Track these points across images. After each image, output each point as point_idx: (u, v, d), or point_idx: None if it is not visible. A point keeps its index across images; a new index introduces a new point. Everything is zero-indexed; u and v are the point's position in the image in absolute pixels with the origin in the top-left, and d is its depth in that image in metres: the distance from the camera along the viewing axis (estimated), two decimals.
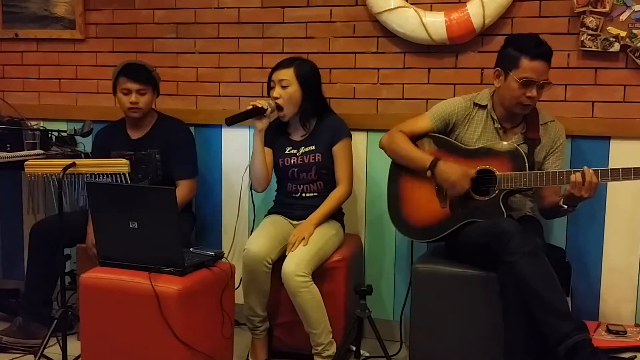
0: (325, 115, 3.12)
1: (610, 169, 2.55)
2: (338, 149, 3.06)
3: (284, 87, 3.01)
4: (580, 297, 3.03)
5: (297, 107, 3.05)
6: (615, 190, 3.02)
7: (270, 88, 3.07)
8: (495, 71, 2.77)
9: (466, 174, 2.72)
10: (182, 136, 3.34)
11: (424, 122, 2.90)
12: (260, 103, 2.98)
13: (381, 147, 2.98)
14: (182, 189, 3.21)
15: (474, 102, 2.86)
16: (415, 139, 2.89)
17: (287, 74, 3.01)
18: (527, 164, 2.67)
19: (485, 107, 2.84)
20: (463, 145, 2.83)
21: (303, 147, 3.09)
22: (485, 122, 2.83)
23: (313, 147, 3.08)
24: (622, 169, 2.52)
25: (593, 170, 2.53)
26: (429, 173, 2.77)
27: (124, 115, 3.31)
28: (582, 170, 2.53)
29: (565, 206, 2.63)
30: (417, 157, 2.84)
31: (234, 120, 2.97)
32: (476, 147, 2.79)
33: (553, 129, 2.83)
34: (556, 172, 2.62)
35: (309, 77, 3.05)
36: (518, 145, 2.75)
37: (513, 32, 3.05)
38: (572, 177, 2.53)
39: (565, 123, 2.89)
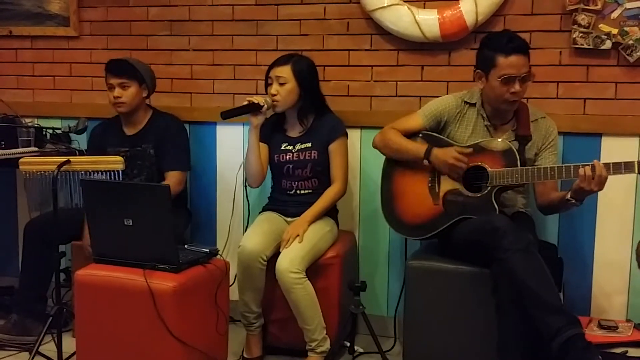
0: (323, 112, 3.13)
1: (624, 163, 2.51)
2: (334, 148, 3.07)
3: (281, 84, 3.02)
4: (573, 292, 3.04)
5: (295, 104, 3.06)
6: (607, 186, 2.98)
7: (267, 85, 3.08)
8: (476, 73, 2.79)
9: (461, 152, 2.74)
10: (174, 130, 3.34)
11: (416, 120, 2.91)
12: (257, 99, 2.99)
13: (374, 146, 2.99)
14: (169, 181, 3.19)
15: (464, 101, 2.88)
16: (408, 137, 2.91)
17: (285, 71, 3.02)
18: (519, 160, 2.69)
19: (475, 105, 2.86)
20: (455, 143, 2.84)
21: (299, 144, 3.10)
22: (475, 120, 2.85)
23: (309, 144, 3.09)
24: (639, 161, 2.49)
25: (604, 163, 2.52)
26: (425, 162, 2.79)
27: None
28: (592, 164, 2.52)
29: (573, 200, 2.62)
30: (411, 148, 2.86)
31: (229, 115, 2.97)
32: (468, 144, 2.81)
33: (544, 125, 2.84)
34: (547, 167, 2.63)
35: (307, 74, 3.05)
36: (509, 142, 2.76)
37: (506, 30, 3.05)
38: (581, 171, 2.51)
39: (556, 120, 2.90)
